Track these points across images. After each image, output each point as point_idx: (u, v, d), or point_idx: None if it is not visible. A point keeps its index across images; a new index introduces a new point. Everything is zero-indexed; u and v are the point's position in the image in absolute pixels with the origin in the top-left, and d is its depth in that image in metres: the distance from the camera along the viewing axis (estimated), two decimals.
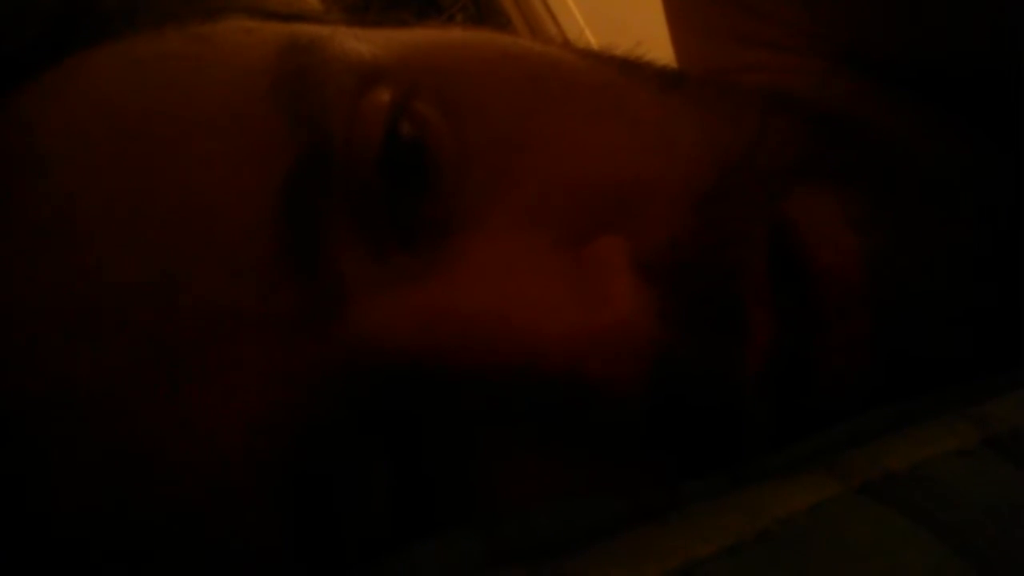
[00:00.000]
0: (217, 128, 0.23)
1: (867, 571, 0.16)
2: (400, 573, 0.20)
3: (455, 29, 0.30)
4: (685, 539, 0.18)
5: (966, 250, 0.25)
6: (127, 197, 0.22)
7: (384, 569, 0.21)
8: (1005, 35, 0.26)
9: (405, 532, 0.22)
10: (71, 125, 0.24)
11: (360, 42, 0.25)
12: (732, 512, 0.18)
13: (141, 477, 0.22)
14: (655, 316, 0.22)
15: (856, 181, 0.25)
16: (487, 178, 0.24)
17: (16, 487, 0.23)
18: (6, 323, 0.23)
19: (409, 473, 0.23)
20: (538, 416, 0.23)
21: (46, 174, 0.23)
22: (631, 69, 0.29)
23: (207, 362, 0.22)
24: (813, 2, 0.30)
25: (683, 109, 0.27)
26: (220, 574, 0.22)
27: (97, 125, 0.24)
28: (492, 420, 0.23)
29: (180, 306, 0.22)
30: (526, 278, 0.22)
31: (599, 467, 0.23)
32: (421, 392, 0.22)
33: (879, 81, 0.29)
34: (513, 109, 0.25)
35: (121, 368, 0.22)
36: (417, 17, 0.31)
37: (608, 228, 0.23)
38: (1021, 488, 0.18)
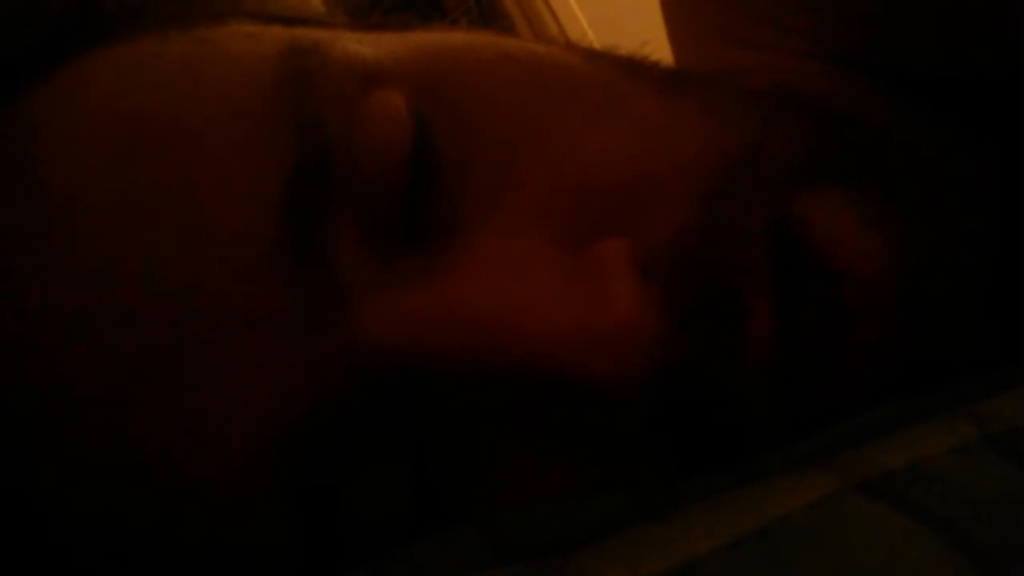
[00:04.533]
0: (219, 130, 0.23)
1: (866, 568, 0.16)
2: (402, 572, 0.20)
3: (459, 32, 0.30)
4: (685, 536, 0.18)
5: (970, 249, 0.26)
6: (130, 199, 0.23)
7: (386, 568, 0.21)
8: (1006, 36, 0.27)
9: (408, 531, 0.22)
10: (74, 127, 0.24)
11: (362, 45, 0.26)
12: (732, 510, 0.18)
13: (144, 479, 0.22)
14: (658, 315, 0.22)
15: (861, 180, 0.25)
16: (490, 180, 0.24)
17: (15, 488, 0.23)
18: (6, 323, 0.23)
19: (412, 472, 0.23)
20: (541, 415, 0.23)
21: (49, 176, 0.23)
22: (634, 69, 0.29)
23: (210, 362, 0.22)
24: (812, 4, 0.30)
25: (686, 109, 0.27)
26: (222, 574, 0.23)
27: (100, 127, 0.24)
28: (495, 419, 0.23)
29: (183, 307, 0.22)
30: (530, 279, 0.22)
31: (601, 465, 0.23)
32: (424, 392, 0.23)
33: (879, 83, 0.29)
34: (516, 111, 0.25)
35: (123, 369, 0.22)
36: (421, 20, 0.31)
37: (611, 229, 0.24)
38: (1020, 485, 0.18)
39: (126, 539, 0.22)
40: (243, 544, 0.22)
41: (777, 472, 0.20)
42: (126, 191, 0.23)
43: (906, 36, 0.28)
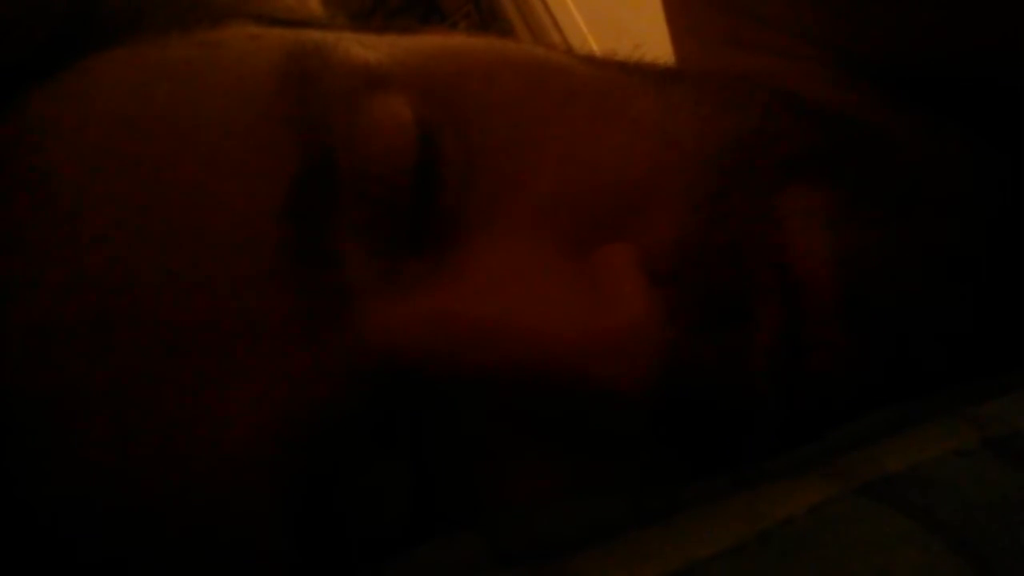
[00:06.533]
0: (223, 133, 0.23)
1: (866, 570, 0.16)
2: (403, 574, 0.20)
3: (459, 35, 0.31)
4: (686, 540, 0.18)
5: (958, 251, 0.25)
6: (134, 201, 0.23)
7: (387, 570, 0.21)
8: (1005, 37, 0.27)
9: (410, 533, 0.22)
10: (78, 130, 0.24)
11: (365, 48, 0.26)
12: (733, 513, 0.19)
13: (148, 478, 0.22)
14: (664, 318, 0.22)
15: (850, 180, 0.25)
16: (493, 183, 0.24)
17: (23, 486, 0.23)
18: (14, 325, 0.23)
19: (415, 475, 0.23)
20: (545, 418, 0.23)
21: (53, 178, 0.23)
22: (631, 70, 0.29)
23: (215, 365, 0.22)
24: (812, 5, 0.30)
25: (683, 107, 0.27)
26: (224, 574, 0.23)
27: (103, 130, 0.24)
28: (499, 422, 0.23)
29: (188, 310, 0.22)
30: (535, 282, 0.23)
31: (605, 468, 0.23)
32: (428, 394, 0.23)
33: (878, 85, 0.30)
34: (518, 114, 0.25)
35: (129, 370, 0.22)
36: (421, 24, 0.31)
37: (613, 232, 0.24)
38: (1020, 488, 0.18)
39: (128, 539, 0.23)
40: (244, 545, 0.22)
41: (777, 476, 0.20)
42: (130, 194, 0.23)
43: (908, 38, 0.28)
